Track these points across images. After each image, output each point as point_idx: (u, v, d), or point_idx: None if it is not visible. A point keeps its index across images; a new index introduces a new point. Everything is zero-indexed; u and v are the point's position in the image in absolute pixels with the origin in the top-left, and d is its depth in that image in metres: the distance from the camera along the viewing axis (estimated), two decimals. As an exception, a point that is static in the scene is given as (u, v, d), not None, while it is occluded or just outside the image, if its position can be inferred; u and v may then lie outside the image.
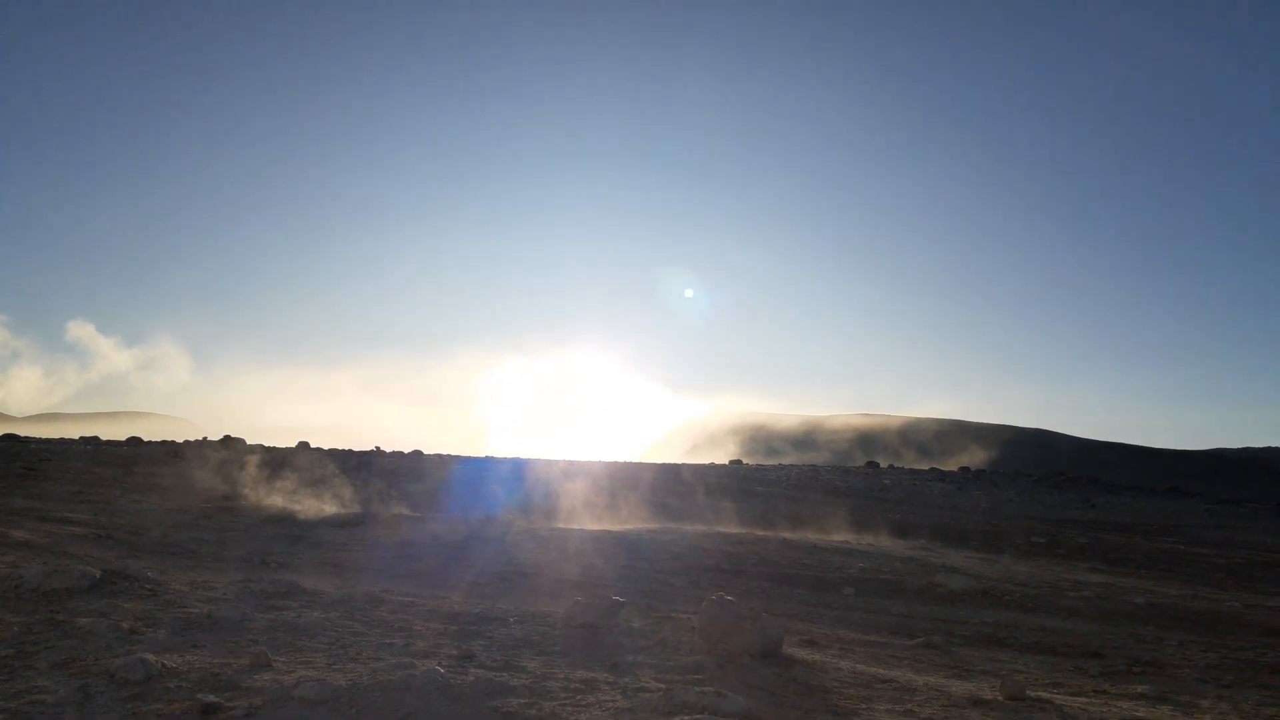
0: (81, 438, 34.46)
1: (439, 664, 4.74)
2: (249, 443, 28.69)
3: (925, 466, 41.94)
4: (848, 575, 10.97)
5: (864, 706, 4.64)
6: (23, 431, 48.24)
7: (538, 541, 12.19)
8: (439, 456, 32.76)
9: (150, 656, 4.49)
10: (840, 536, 15.48)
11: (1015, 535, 18.04)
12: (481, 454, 35.15)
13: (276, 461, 21.97)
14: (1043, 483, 35.09)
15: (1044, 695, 5.34)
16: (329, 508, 15.18)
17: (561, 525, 14.81)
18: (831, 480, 31.10)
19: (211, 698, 3.98)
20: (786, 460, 56.21)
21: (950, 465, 42.82)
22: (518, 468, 27.71)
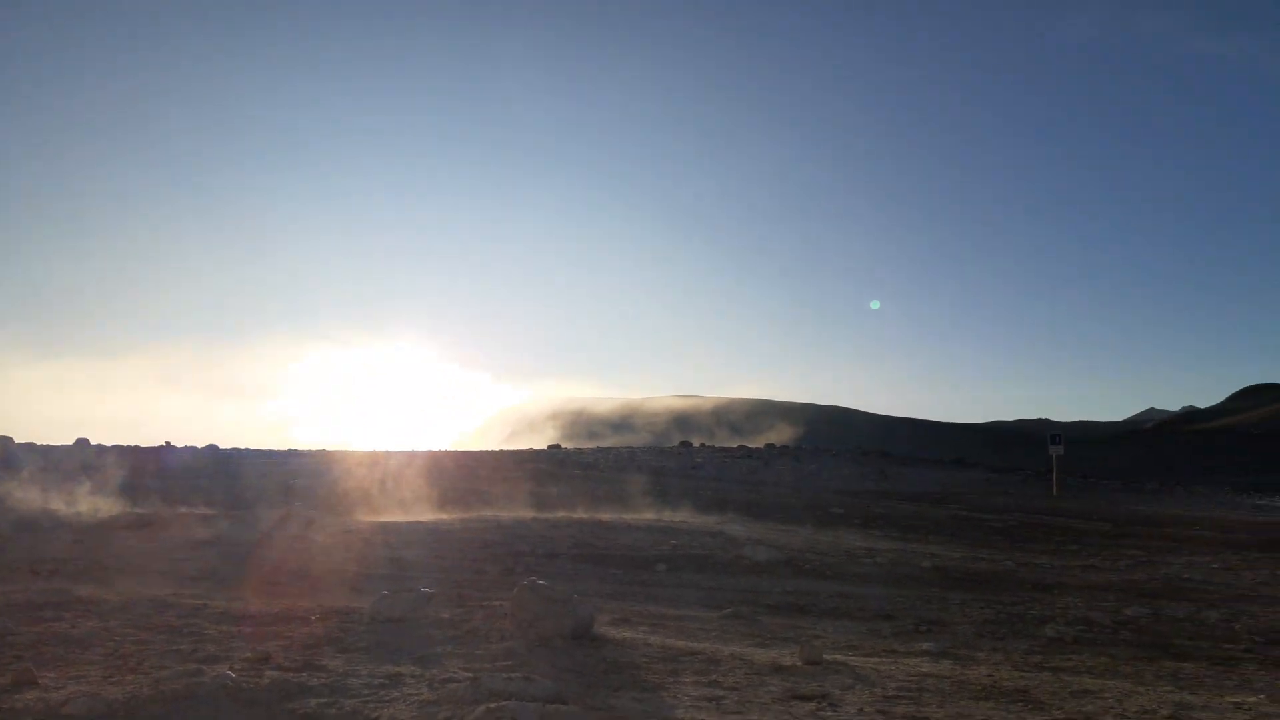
0: None
1: (230, 668, 4.46)
2: (16, 441, 26.08)
3: (735, 445, 43.50)
4: (660, 553, 11.21)
5: (670, 680, 4.75)
6: None
7: (343, 536, 11.75)
8: (236, 451, 31.00)
9: (-116, 684, 3.99)
10: (654, 515, 15.80)
11: (816, 507, 19.02)
12: (284, 447, 33.50)
13: (51, 461, 20.11)
14: (841, 456, 37.21)
15: (840, 658, 5.65)
16: (111, 508, 14.03)
17: (369, 518, 14.35)
18: (647, 460, 31.75)
19: (-40, 725, 3.59)
20: (606, 443, 56.77)
21: (759, 443, 44.60)
22: (322, 461, 26.64)
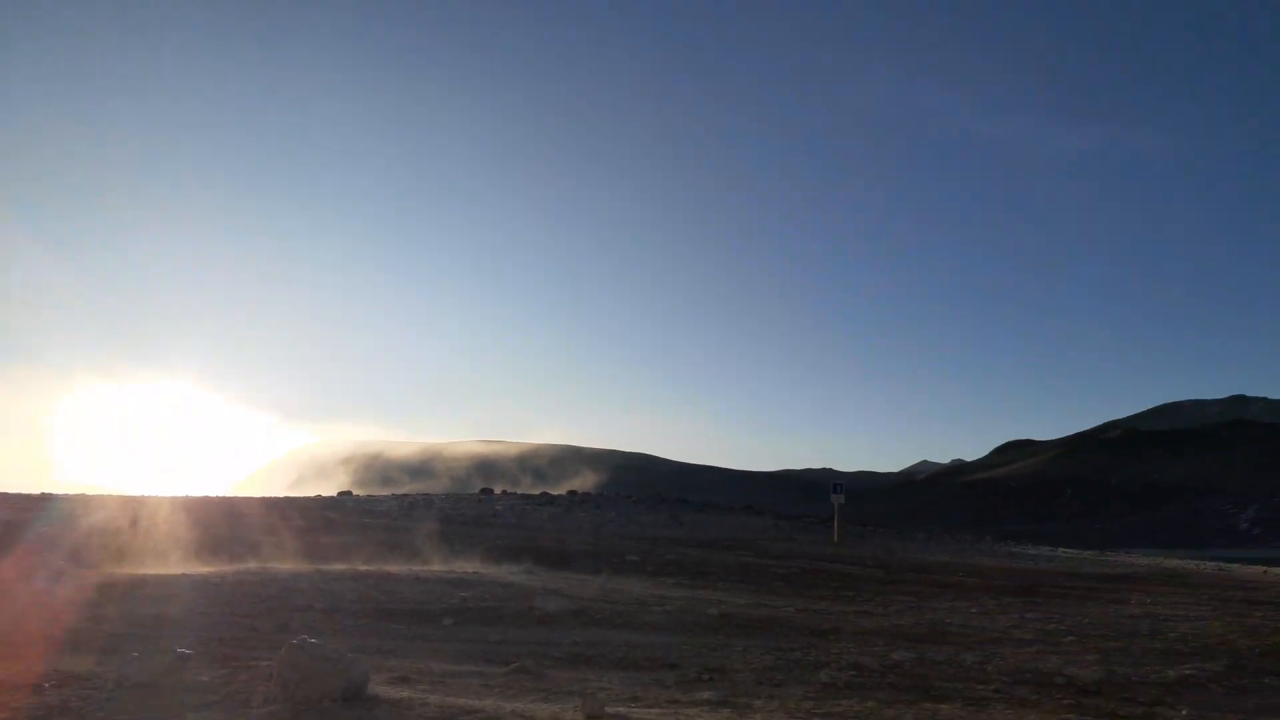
0: None
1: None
2: None
3: (538, 491, 43.21)
4: (449, 605, 10.87)
5: (440, 742, 4.57)
6: None
7: (96, 590, 10.68)
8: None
9: None
10: (445, 566, 15.35)
11: (612, 554, 19.11)
12: (38, 490, 30.21)
13: None
14: (640, 503, 37.70)
15: (622, 710, 5.63)
16: None
17: (128, 570, 13.13)
18: (444, 508, 30.90)
19: None
20: (402, 489, 54.90)
21: (563, 489, 44.52)
22: (80, 505, 24.23)
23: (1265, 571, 24.99)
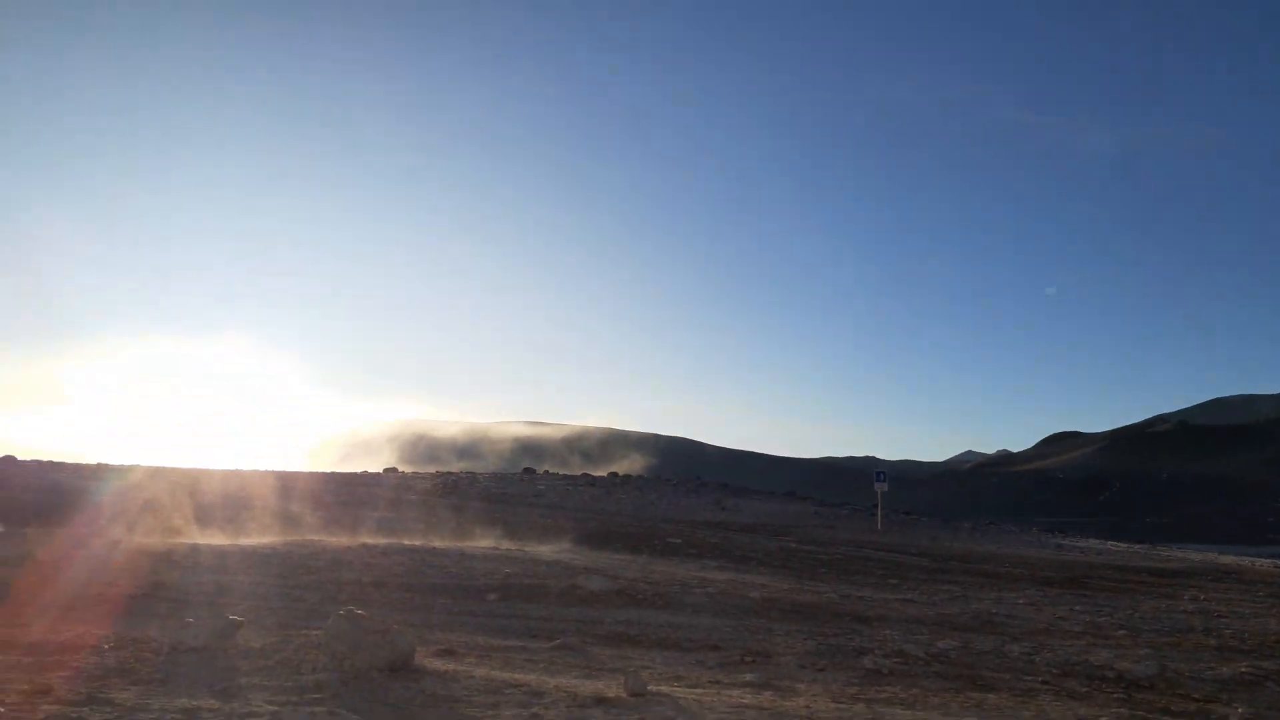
0: None
1: (1, 702, 4.04)
2: None
3: (579, 473, 43.41)
4: (493, 581, 10.98)
5: (490, 713, 4.61)
6: None
7: (152, 557, 10.96)
8: (37, 464, 28.51)
9: None
10: (490, 543, 15.51)
11: (654, 536, 19.15)
12: (94, 460, 31.05)
13: None
14: (682, 487, 37.70)
15: (664, 689, 5.64)
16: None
17: (182, 539, 13.45)
18: (488, 487, 31.22)
19: None
20: (447, 469, 55.57)
21: (608, 472, 44.68)
22: (137, 476, 24.86)
23: (1323, 570, 24.31)
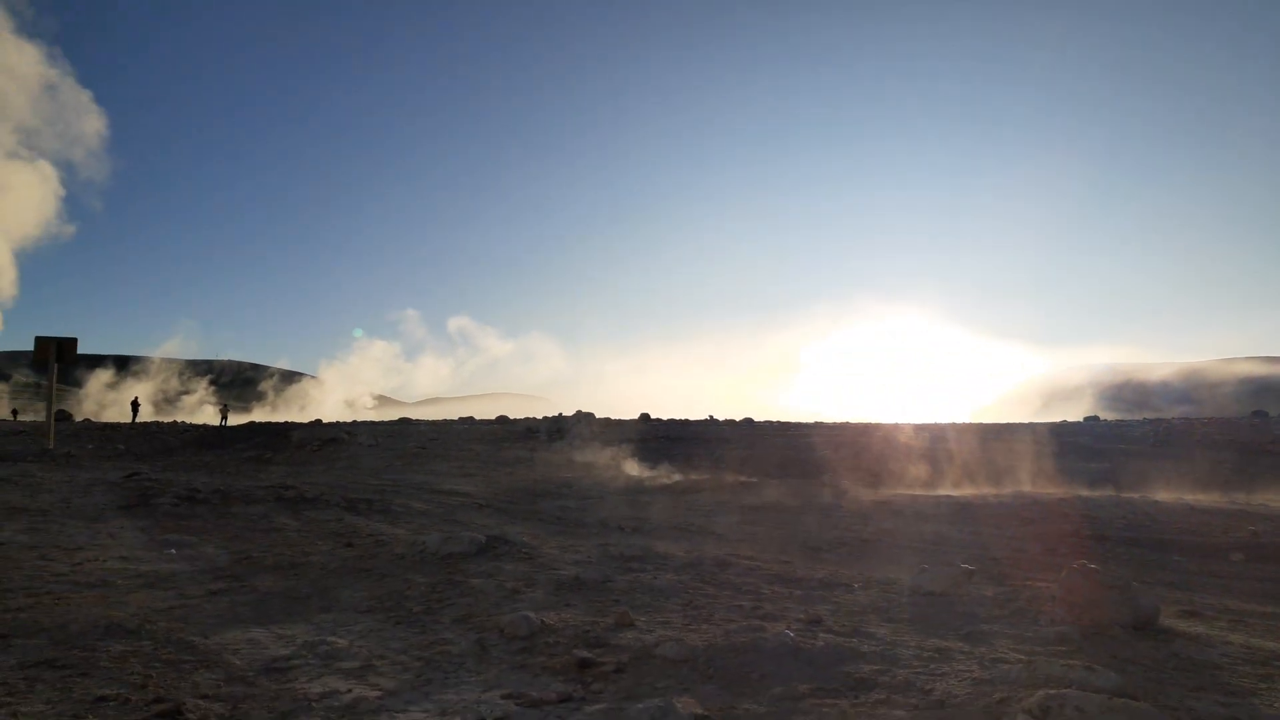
0: (460, 418, 39.02)
1: (788, 628, 4.80)
2: (598, 416, 30.96)
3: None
4: (1236, 539, 9.70)
5: (1263, 686, 4.10)
6: (413, 414, 55.85)
7: (872, 507, 12.02)
8: (769, 424, 33.21)
9: (532, 614, 5.02)
10: (1223, 495, 13.70)
11: None
12: (810, 419, 35.15)
13: (614, 435, 23.44)
14: None
15: None
16: (670, 476, 15.98)
17: (891, 491, 14.47)
18: (1209, 433, 27.56)
19: (585, 653, 4.37)
20: (1159, 415, 50.42)
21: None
22: (844, 433, 27.41)
23: None
